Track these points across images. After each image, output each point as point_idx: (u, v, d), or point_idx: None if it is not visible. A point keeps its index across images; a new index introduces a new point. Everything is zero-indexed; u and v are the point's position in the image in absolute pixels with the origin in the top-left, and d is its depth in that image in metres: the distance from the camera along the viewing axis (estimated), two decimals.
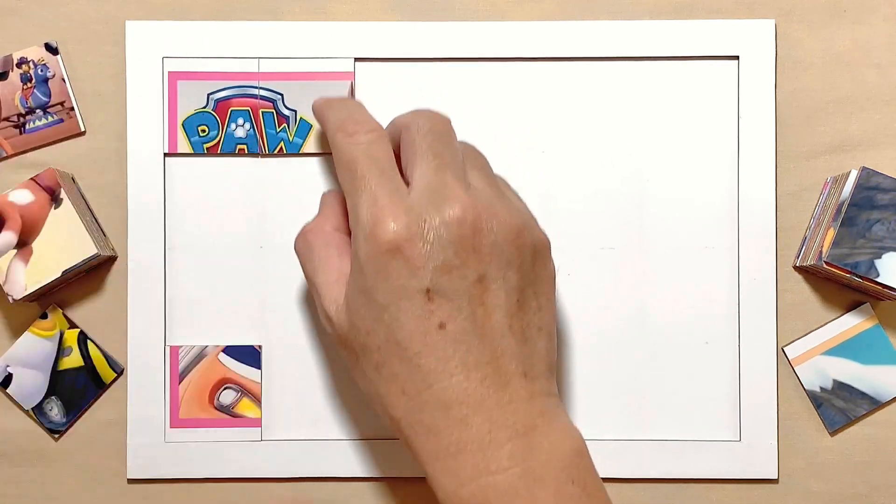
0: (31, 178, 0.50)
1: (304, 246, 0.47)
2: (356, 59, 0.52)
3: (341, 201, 0.48)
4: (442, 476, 0.41)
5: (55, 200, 0.51)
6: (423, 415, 0.41)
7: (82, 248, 0.50)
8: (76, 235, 0.50)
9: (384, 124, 0.53)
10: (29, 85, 0.53)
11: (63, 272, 0.50)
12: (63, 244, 0.50)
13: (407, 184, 0.43)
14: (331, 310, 0.44)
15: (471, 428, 0.40)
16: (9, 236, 0.50)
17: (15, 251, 0.50)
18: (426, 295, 0.41)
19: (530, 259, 0.43)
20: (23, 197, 0.50)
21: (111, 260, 0.53)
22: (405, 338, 0.41)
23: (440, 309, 0.41)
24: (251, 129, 0.52)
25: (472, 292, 0.41)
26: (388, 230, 0.41)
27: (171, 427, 0.52)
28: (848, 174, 0.49)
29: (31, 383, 0.53)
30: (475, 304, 0.41)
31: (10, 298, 0.50)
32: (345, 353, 0.44)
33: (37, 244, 0.50)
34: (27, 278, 0.50)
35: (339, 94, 0.51)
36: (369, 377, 0.43)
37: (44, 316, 0.53)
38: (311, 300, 0.52)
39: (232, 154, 0.52)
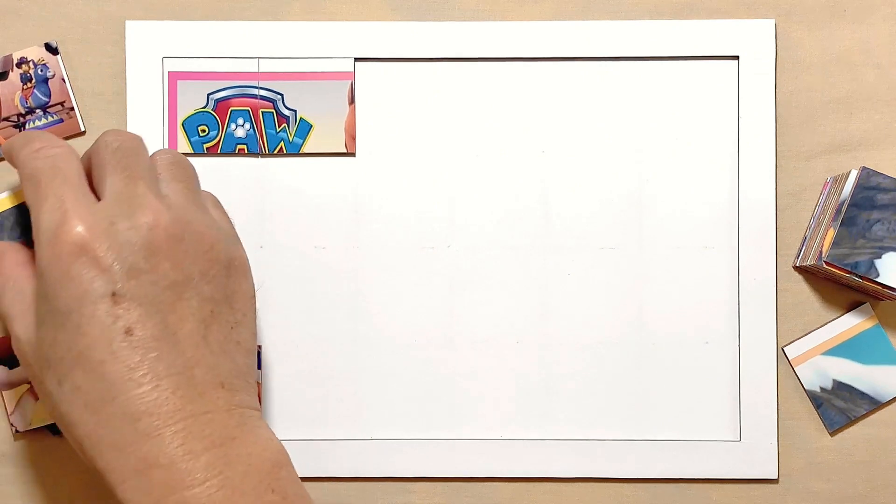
0: None
1: None
2: (356, 59, 0.52)
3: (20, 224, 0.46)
4: (133, 496, 0.38)
5: None
6: (107, 430, 0.38)
7: None
8: None
9: (381, 126, 0.53)
10: (29, 85, 0.53)
11: None
12: None
13: (98, 199, 0.42)
14: (20, 328, 0.41)
15: (162, 441, 0.37)
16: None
17: (28, 385, 0.51)
18: (112, 299, 0.38)
19: (224, 273, 0.42)
20: None
21: None
22: (88, 345, 0.38)
23: (128, 314, 0.38)
24: (251, 129, 0.52)
25: (163, 298, 0.39)
26: (71, 231, 0.39)
27: None
28: (848, 174, 0.49)
29: None
30: (166, 311, 0.39)
31: (13, 429, 0.51)
32: (31, 374, 0.42)
33: None
34: (34, 414, 0.51)
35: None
36: (53, 394, 0.39)
37: None
38: (310, 300, 0.52)
39: (232, 154, 0.52)
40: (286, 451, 0.42)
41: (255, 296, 0.45)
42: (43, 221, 0.40)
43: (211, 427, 0.39)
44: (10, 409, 0.52)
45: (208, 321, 0.41)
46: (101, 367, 0.38)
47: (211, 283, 0.42)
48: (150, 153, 0.45)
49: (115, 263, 0.39)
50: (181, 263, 0.41)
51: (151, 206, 0.41)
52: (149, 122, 0.52)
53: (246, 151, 0.52)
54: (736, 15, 0.52)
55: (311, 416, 0.52)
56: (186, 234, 0.41)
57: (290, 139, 0.52)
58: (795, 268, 0.53)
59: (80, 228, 0.39)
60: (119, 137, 0.44)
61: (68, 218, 0.39)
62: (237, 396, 0.41)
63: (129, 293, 0.39)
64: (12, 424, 0.52)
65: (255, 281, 0.52)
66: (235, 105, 0.52)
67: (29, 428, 0.52)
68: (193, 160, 0.52)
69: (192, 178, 0.46)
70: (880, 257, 0.48)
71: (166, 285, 0.40)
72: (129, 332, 0.38)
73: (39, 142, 0.43)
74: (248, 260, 0.45)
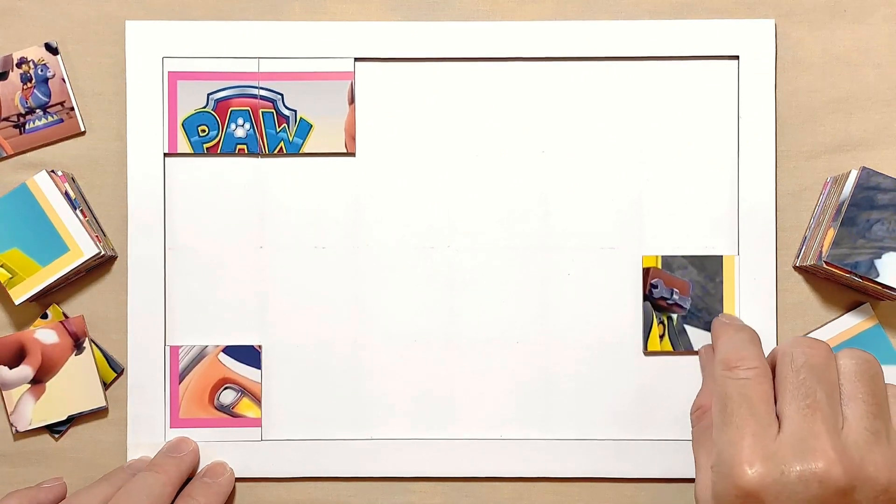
0: (61, 322, 0.52)
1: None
2: (356, 59, 0.52)
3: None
4: None
5: (78, 347, 0.52)
6: None
7: (92, 398, 0.52)
8: (89, 384, 0.52)
9: (381, 126, 0.53)
10: (29, 85, 0.53)
11: (69, 416, 0.52)
12: (75, 390, 0.52)
13: (779, 421, 0.41)
14: (741, 471, 0.41)
15: None
16: (26, 370, 0.52)
17: (28, 386, 0.52)
18: None
19: None
20: (49, 337, 0.52)
21: (111, 260, 0.53)
22: None
23: None
24: (251, 129, 0.52)
25: None
26: (744, 475, 0.39)
27: (171, 427, 0.52)
28: (848, 174, 0.49)
29: None
30: None
31: (13, 429, 0.52)
32: None
33: (51, 384, 0.52)
34: (34, 414, 0.52)
35: (732, 322, 0.50)
36: None
37: (44, 316, 0.53)
38: (310, 300, 0.52)
39: (232, 154, 0.52)
40: None
41: None
42: (721, 452, 0.41)
43: None
44: (10, 409, 0.52)
45: None
46: None
47: None
48: (835, 355, 0.44)
49: None
50: None
51: (824, 453, 0.40)
52: (149, 122, 0.52)
53: (246, 151, 0.52)
54: (736, 15, 0.52)
55: (311, 416, 0.52)
56: (858, 483, 0.39)
57: (290, 139, 0.52)
58: (795, 268, 0.53)
59: (751, 473, 0.39)
60: (806, 352, 0.43)
61: (742, 460, 0.40)
62: None
63: None
64: (12, 424, 0.52)
65: (254, 281, 0.52)
66: (235, 105, 0.52)
67: (29, 428, 0.52)
68: (193, 160, 0.52)
69: (876, 391, 0.42)
70: (880, 257, 0.48)
71: None
72: None
73: (736, 359, 0.44)
74: None
